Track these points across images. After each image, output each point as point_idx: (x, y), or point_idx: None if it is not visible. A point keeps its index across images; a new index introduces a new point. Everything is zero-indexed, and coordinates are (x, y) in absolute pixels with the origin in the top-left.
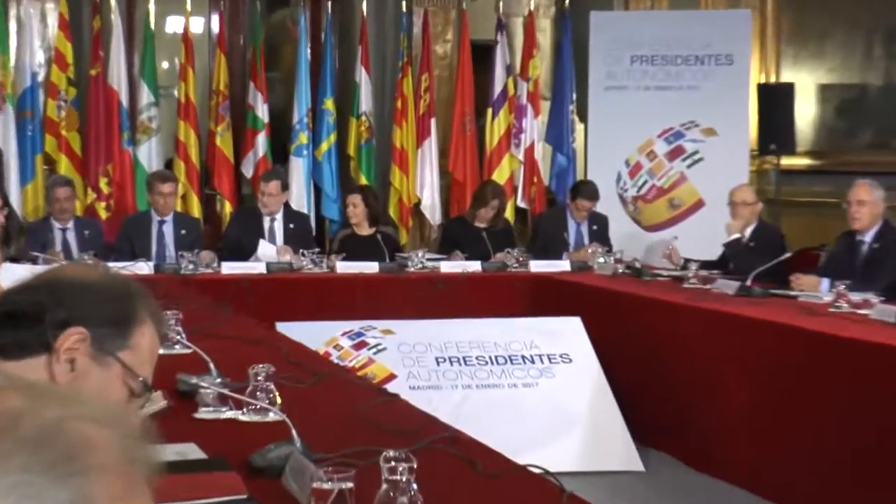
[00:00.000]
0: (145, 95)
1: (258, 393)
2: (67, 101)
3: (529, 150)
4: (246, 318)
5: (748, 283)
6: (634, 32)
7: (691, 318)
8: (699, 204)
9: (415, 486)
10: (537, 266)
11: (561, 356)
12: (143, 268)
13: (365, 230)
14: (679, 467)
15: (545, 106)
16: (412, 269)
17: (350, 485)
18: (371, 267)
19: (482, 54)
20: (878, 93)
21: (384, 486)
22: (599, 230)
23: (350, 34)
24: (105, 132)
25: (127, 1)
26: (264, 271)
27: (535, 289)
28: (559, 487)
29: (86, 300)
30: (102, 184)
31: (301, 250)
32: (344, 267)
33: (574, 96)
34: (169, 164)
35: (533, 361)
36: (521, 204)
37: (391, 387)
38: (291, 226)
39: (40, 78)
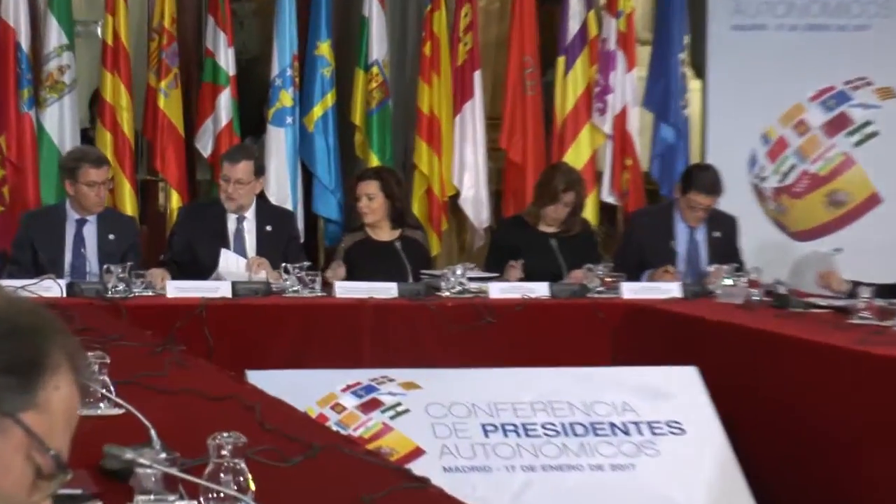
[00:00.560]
0: (55, 35)
1: (222, 475)
2: None
3: (620, 120)
4: (203, 362)
5: None
6: None
7: (863, 367)
8: (873, 200)
9: None
10: (632, 290)
11: (669, 424)
12: (52, 288)
13: (384, 234)
14: None
15: (643, 54)
16: (447, 294)
17: None
18: (387, 290)
19: None
20: None
21: None
22: (724, 238)
23: None
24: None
25: None
26: (229, 294)
27: (629, 324)
28: None
29: None
30: None
31: (284, 265)
32: (347, 289)
33: (686, 40)
34: (86, 136)
35: (627, 432)
36: (608, 198)
37: (417, 467)
38: (269, 228)
39: None
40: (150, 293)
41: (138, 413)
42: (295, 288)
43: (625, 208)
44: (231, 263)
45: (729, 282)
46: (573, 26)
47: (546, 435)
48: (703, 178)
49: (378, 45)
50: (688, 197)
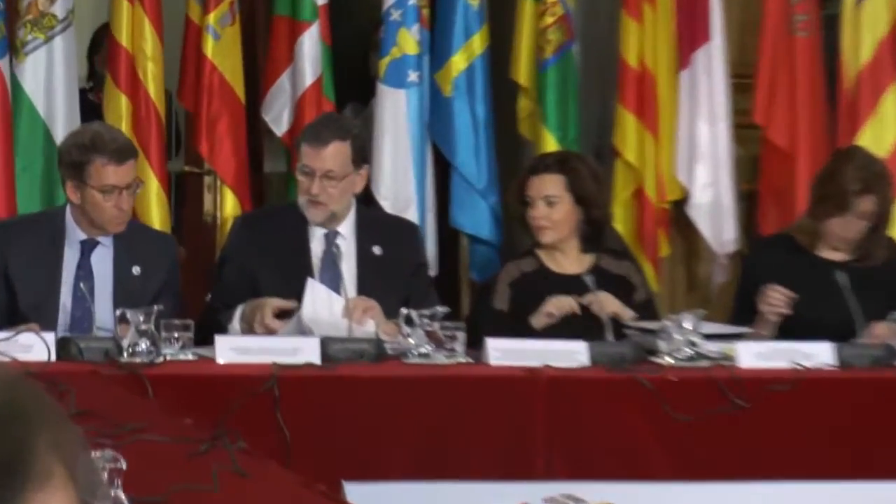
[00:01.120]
0: None
1: None
2: None
3: None
4: (274, 468)
5: None
6: None
7: None
8: None
9: None
10: None
11: None
12: (34, 346)
13: (569, 262)
14: None
15: None
16: (669, 361)
17: None
18: (572, 354)
19: None
20: None
21: None
22: None
23: None
24: None
25: None
26: (316, 359)
27: None
28: None
29: None
30: None
31: (405, 312)
32: (508, 353)
33: None
34: (86, 101)
35: None
36: None
37: None
38: (377, 250)
39: None
40: (191, 356)
41: None
42: (424, 350)
43: None
44: (321, 303)
45: None
46: None
47: None
48: None
49: None
50: None
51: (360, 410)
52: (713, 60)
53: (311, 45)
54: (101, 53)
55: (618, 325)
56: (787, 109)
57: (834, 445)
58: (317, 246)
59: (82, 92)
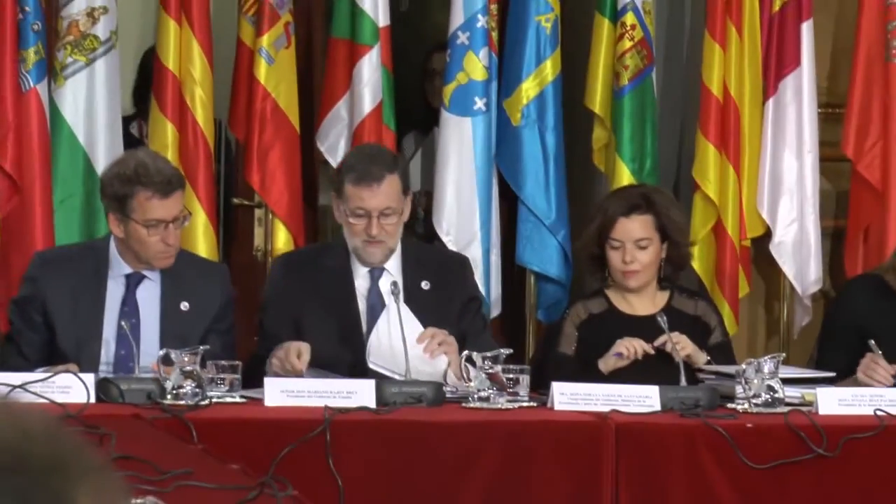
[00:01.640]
0: None
1: None
2: None
3: None
4: None
5: None
6: None
7: None
8: None
9: None
10: None
11: None
12: (72, 388)
13: (642, 302)
14: None
15: None
16: (745, 407)
17: None
18: (642, 398)
19: None
20: None
21: None
22: None
23: None
24: None
25: None
26: (371, 402)
27: None
28: None
29: None
30: None
31: (466, 354)
32: (574, 397)
33: None
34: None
35: None
36: None
37: None
38: (425, 285)
39: None
40: (238, 399)
41: None
42: (485, 393)
43: None
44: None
45: None
46: None
47: None
48: None
49: None
50: None
51: (417, 457)
52: (802, 89)
53: (370, 70)
54: (148, 79)
55: (691, 369)
56: (879, 142)
57: None
58: (361, 284)
59: (126, 121)
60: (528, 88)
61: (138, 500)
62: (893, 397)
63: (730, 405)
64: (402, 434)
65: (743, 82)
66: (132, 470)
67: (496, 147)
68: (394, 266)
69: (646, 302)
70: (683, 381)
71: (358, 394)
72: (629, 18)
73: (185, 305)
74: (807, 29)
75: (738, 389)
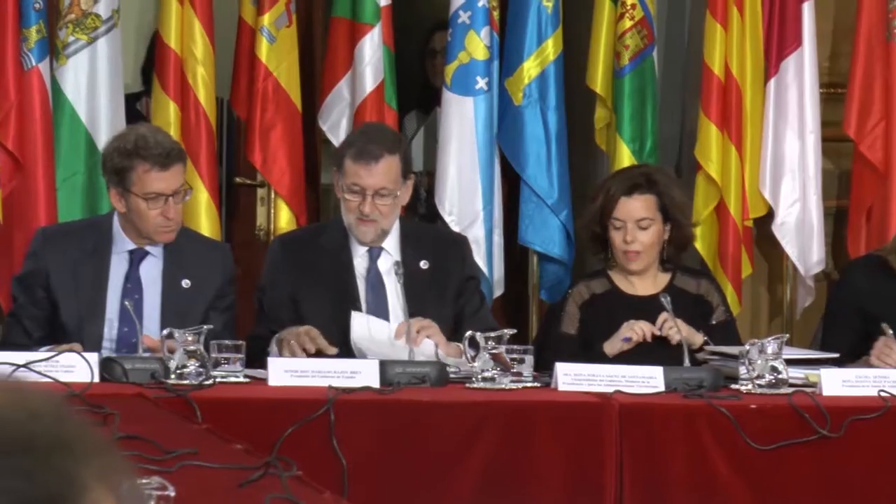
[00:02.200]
0: None
1: None
2: None
3: None
4: (331, 497)
5: None
6: None
7: None
8: None
9: None
10: None
11: None
12: (76, 367)
13: (644, 283)
14: None
15: None
16: (748, 387)
17: None
18: (645, 378)
19: None
20: None
21: None
22: None
23: None
24: None
25: None
26: (374, 382)
27: None
28: None
29: None
30: None
31: (470, 334)
32: (576, 378)
33: None
34: (134, 110)
35: None
36: None
37: None
38: (424, 264)
39: None
40: (242, 379)
41: None
42: (489, 374)
43: None
44: (369, 332)
45: None
46: None
47: None
48: None
49: None
50: None
51: (420, 437)
52: (803, 69)
53: (371, 49)
54: (153, 60)
55: (694, 350)
56: (881, 122)
57: None
58: (360, 264)
59: (131, 99)
60: (530, 68)
61: (143, 480)
62: None
63: (733, 386)
64: (405, 414)
65: (744, 62)
66: (136, 449)
67: (498, 127)
68: (392, 245)
69: (647, 283)
70: (686, 362)
71: (362, 374)
72: None
73: (186, 283)
74: (808, 9)
75: (742, 370)
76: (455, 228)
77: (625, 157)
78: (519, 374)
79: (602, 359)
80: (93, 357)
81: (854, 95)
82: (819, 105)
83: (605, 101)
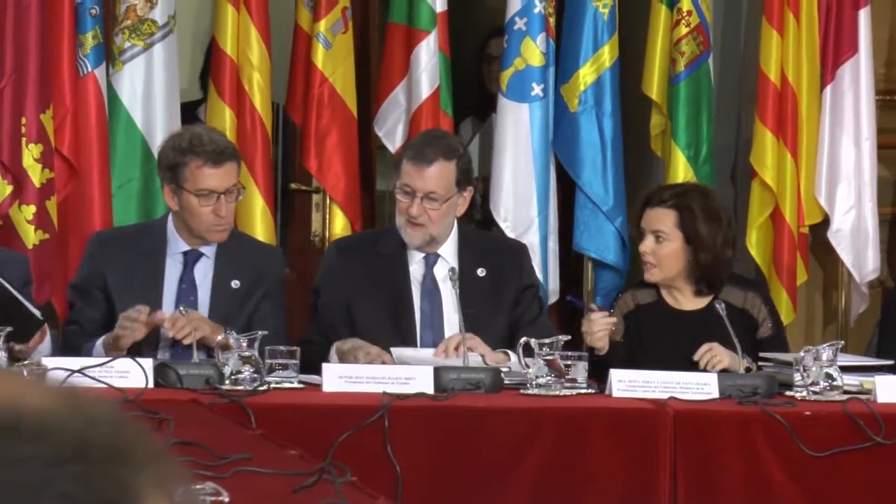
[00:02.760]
0: None
1: None
2: None
3: None
4: (385, 502)
5: None
6: None
7: None
8: None
9: None
10: None
11: None
12: (130, 372)
13: (685, 299)
14: None
15: None
16: (802, 395)
17: None
18: (699, 385)
19: None
20: None
21: None
22: None
23: None
24: (39, 33)
25: None
26: (429, 389)
27: None
28: None
29: (14, 474)
30: (28, 159)
31: (525, 340)
32: (633, 384)
33: None
34: (191, 116)
35: None
36: None
37: None
38: (481, 272)
39: None
40: (297, 385)
41: None
42: (543, 380)
43: None
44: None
45: None
46: None
47: None
48: None
49: None
50: None
51: (475, 443)
52: (859, 76)
53: (428, 56)
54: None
55: (752, 356)
56: None
57: None
58: (416, 270)
59: (188, 108)
60: (586, 74)
61: (197, 486)
62: None
63: (788, 393)
64: (459, 420)
65: (800, 69)
66: (190, 455)
67: (553, 133)
68: (450, 252)
69: (689, 297)
70: (742, 368)
71: (416, 380)
72: (685, 4)
73: (235, 283)
74: (864, 16)
75: (797, 377)
76: (510, 235)
77: (680, 164)
78: (573, 380)
79: (647, 368)
80: (147, 363)
81: None
82: (875, 112)
83: (661, 107)
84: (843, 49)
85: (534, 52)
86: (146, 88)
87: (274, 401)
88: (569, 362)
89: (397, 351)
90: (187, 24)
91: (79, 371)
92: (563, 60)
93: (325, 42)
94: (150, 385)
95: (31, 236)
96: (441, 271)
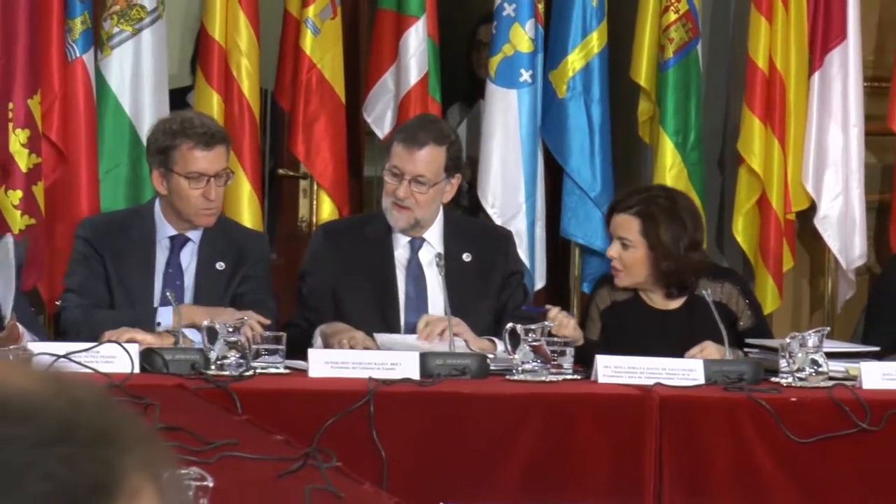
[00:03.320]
0: None
1: None
2: None
3: None
4: (369, 490)
5: None
6: None
7: None
8: None
9: None
10: None
11: None
12: (116, 357)
13: (658, 299)
14: None
15: None
16: (787, 381)
17: None
18: (686, 370)
19: None
20: None
21: None
22: None
23: None
24: (27, 18)
25: None
26: (415, 374)
27: None
28: None
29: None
30: (15, 144)
31: (511, 326)
32: (616, 369)
33: None
34: (180, 102)
35: None
36: None
37: None
38: (466, 258)
39: None
40: (282, 370)
41: None
42: (529, 366)
43: None
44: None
45: None
46: None
47: None
48: None
49: None
50: None
51: (460, 429)
52: (848, 62)
53: (416, 42)
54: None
55: (737, 342)
56: None
57: None
58: (402, 255)
59: (177, 94)
60: (574, 61)
61: (183, 470)
62: None
63: (774, 379)
64: (445, 406)
65: (789, 56)
66: (176, 440)
67: (541, 119)
68: (435, 237)
69: (662, 299)
70: (727, 353)
71: (402, 365)
72: None
73: (220, 265)
74: (853, 2)
75: (782, 363)
76: (497, 220)
77: (668, 151)
78: (559, 366)
79: None
80: (133, 348)
81: None
82: (863, 99)
83: (650, 94)
84: (832, 35)
85: (522, 38)
86: (134, 74)
87: (260, 386)
88: (555, 348)
89: (381, 337)
90: (177, 10)
91: (65, 356)
92: (551, 46)
93: (313, 28)
94: (136, 370)
95: (17, 221)
96: (427, 256)
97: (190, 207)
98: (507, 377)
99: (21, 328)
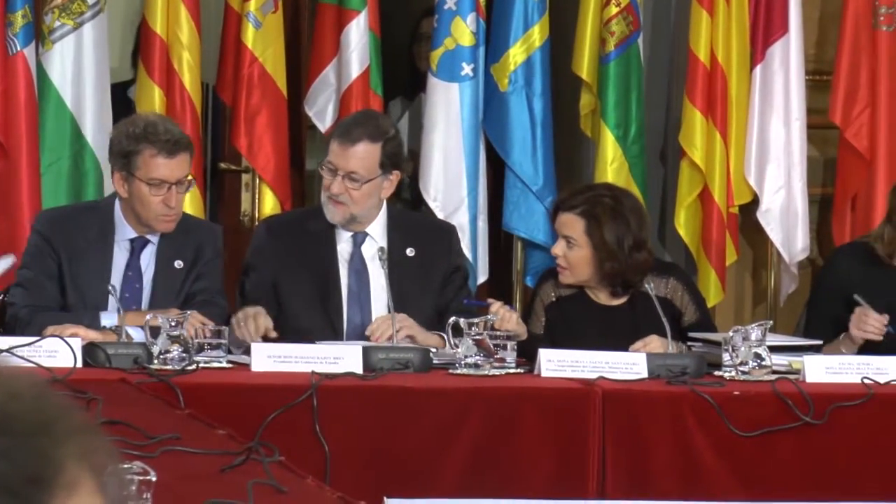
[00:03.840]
0: None
1: None
2: None
3: None
4: (312, 484)
5: None
6: None
7: None
8: None
9: None
10: None
11: None
12: (59, 352)
13: (603, 296)
14: None
15: None
16: (730, 374)
17: None
18: (628, 364)
19: None
20: None
21: None
22: None
23: None
24: None
25: None
26: (358, 368)
27: None
28: None
29: None
30: None
31: (454, 320)
32: (559, 363)
33: None
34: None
35: None
36: None
37: None
38: (410, 252)
39: None
40: (225, 364)
41: None
42: (472, 360)
43: None
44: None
45: None
46: None
47: None
48: None
49: None
50: None
51: (404, 423)
52: (789, 56)
53: (358, 35)
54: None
55: (680, 336)
56: (866, 109)
57: None
58: (344, 249)
59: (118, 88)
60: (516, 54)
61: (125, 465)
62: (881, 365)
63: (717, 373)
64: (388, 400)
65: (730, 49)
66: (119, 435)
67: (483, 113)
68: (378, 231)
69: (607, 296)
70: (670, 347)
71: (345, 359)
72: None
73: (178, 263)
74: None
75: (725, 357)
76: (440, 214)
77: (609, 144)
78: (502, 360)
79: None
80: (76, 342)
81: (840, 83)
82: (805, 92)
83: (591, 87)
84: (774, 29)
85: (464, 31)
86: (76, 68)
87: (202, 380)
88: (498, 342)
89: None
90: (118, 4)
91: (7, 350)
92: (493, 40)
93: (255, 21)
94: (79, 365)
95: None
96: (369, 250)
97: (150, 213)
98: (450, 371)
99: None
